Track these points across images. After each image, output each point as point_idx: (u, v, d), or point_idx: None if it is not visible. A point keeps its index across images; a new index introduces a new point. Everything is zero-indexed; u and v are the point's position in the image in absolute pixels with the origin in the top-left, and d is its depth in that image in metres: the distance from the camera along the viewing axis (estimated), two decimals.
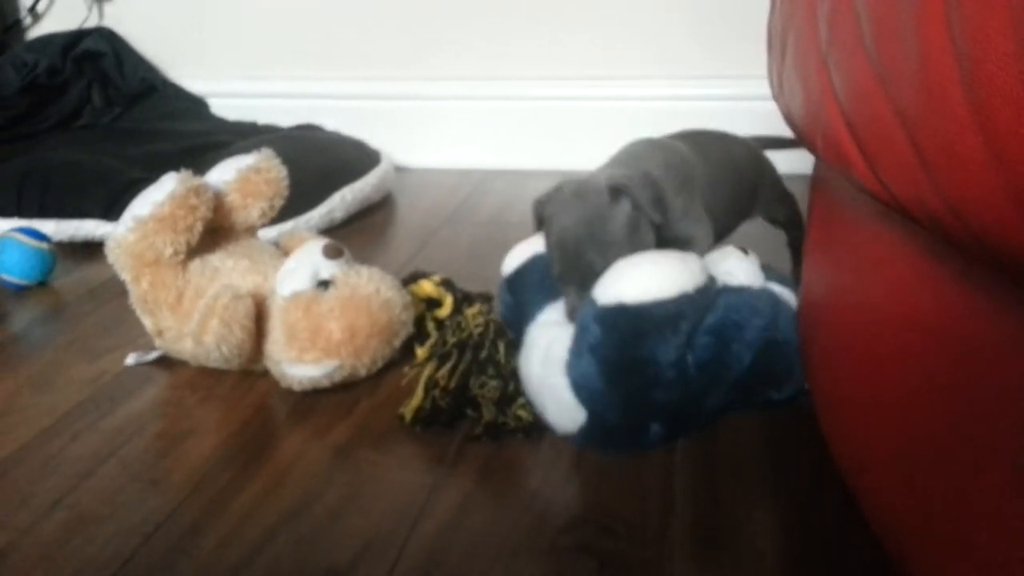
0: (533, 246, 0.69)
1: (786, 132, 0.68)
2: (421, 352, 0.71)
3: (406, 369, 0.72)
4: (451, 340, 0.68)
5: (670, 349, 0.57)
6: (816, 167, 0.58)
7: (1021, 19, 0.24)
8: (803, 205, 0.81)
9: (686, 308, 0.58)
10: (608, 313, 0.57)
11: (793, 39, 0.46)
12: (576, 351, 0.59)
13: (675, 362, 0.57)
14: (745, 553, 0.52)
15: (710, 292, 0.60)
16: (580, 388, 0.58)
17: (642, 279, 0.57)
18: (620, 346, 0.57)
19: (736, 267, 0.65)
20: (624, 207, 0.62)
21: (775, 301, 0.63)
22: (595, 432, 0.60)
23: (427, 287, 0.79)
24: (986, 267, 0.32)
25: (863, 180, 0.37)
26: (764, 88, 0.67)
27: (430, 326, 0.77)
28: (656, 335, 0.57)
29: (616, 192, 0.62)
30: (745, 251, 0.67)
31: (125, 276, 0.75)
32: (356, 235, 1.14)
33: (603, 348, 0.57)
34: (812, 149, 0.45)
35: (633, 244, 0.62)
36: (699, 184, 0.72)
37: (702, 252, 0.67)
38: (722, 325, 0.59)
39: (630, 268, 0.58)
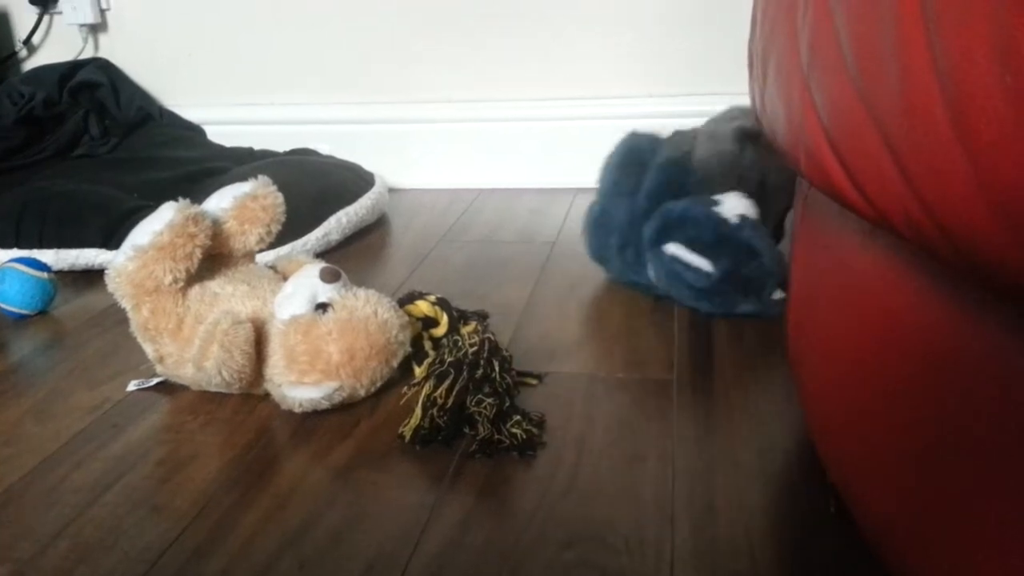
0: None
1: None
2: (419, 371, 0.72)
3: (404, 389, 0.73)
4: (448, 359, 0.69)
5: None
6: (800, 183, 0.59)
7: (1001, 38, 0.24)
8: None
9: None
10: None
11: (775, 60, 0.47)
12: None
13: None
14: (744, 565, 0.52)
15: None
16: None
17: None
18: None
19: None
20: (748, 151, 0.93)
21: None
22: None
23: (423, 307, 0.80)
24: (970, 280, 0.33)
25: (847, 197, 0.38)
26: (746, 104, 0.68)
27: (427, 345, 0.78)
28: None
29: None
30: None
31: (125, 304, 0.76)
32: (352, 257, 1.15)
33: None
34: (795, 166, 0.46)
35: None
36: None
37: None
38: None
39: None
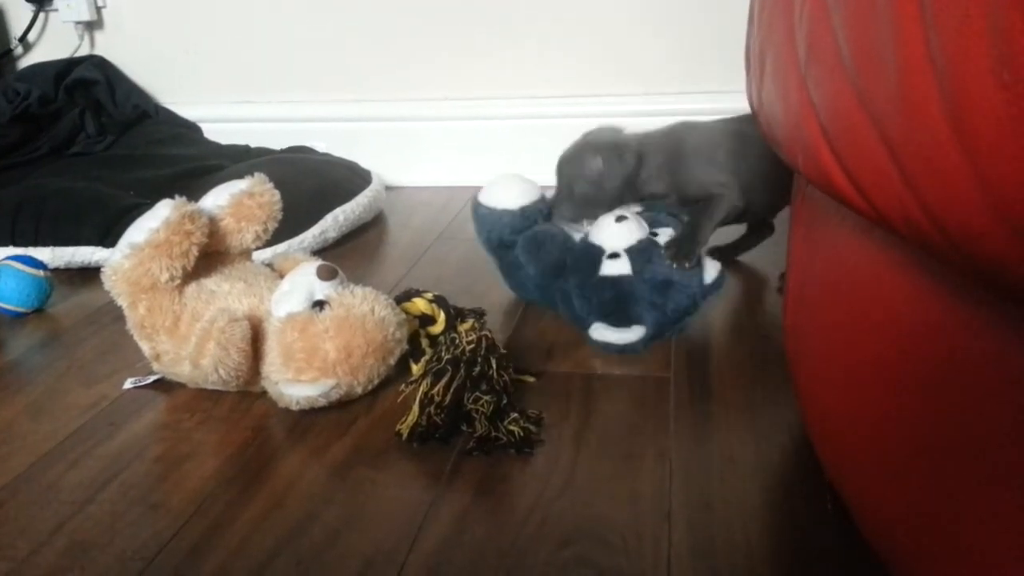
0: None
1: None
2: (416, 368, 0.72)
3: (402, 387, 0.73)
4: (445, 356, 0.69)
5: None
6: (797, 181, 0.59)
7: (999, 35, 0.25)
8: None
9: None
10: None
11: (772, 58, 0.47)
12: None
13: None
14: (742, 562, 0.52)
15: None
16: None
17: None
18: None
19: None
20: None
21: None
22: None
23: (420, 304, 0.80)
24: (967, 277, 0.33)
25: (844, 195, 0.38)
26: (742, 103, 0.68)
27: (424, 343, 0.78)
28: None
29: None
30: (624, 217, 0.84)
31: (122, 302, 0.76)
32: (349, 255, 1.15)
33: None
34: (793, 165, 0.46)
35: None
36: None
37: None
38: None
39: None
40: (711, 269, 0.83)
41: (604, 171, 0.87)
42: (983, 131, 0.26)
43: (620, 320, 0.81)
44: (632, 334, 0.80)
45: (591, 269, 0.82)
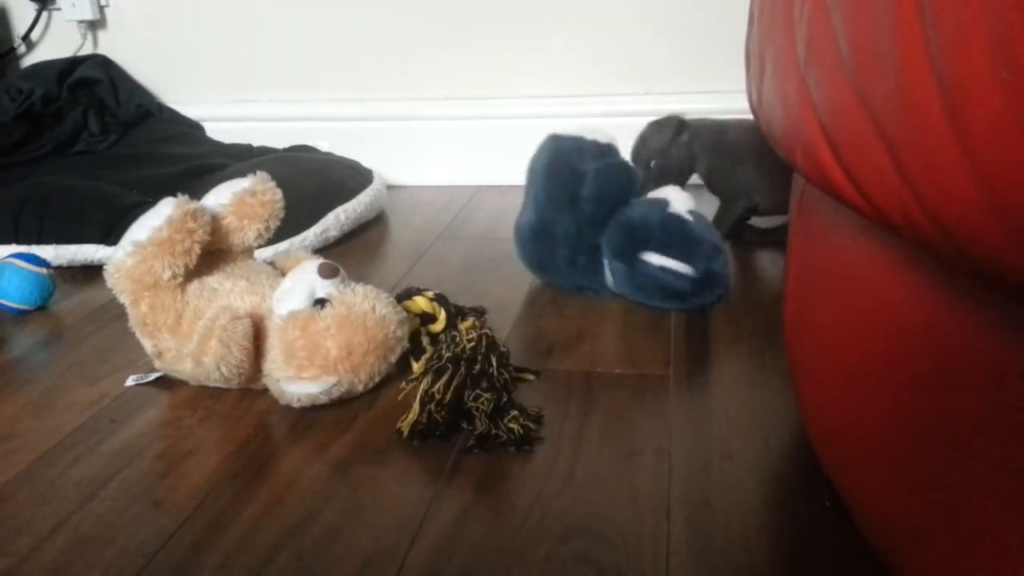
0: None
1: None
2: (417, 366, 0.72)
3: (403, 384, 0.73)
4: (446, 354, 0.69)
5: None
6: (796, 180, 0.60)
7: (997, 33, 0.25)
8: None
9: None
10: None
11: (771, 57, 0.48)
12: None
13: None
14: (740, 560, 0.53)
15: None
16: None
17: None
18: None
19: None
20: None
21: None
22: None
23: (421, 302, 0.80)
24: (966, 276, 0.33)
25: (844, 194, 0.38)
26: (742, 102, 0.68)
27: (425, 341, 0.78)
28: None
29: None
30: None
31: (124, 300, 0.76)
32: (351, 253, 1.15)
33: None
34: (792, 164, 0.46)
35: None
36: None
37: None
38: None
39: None
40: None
41: (669, 147, 1.04)
42: (982, 129, 0.26)
43: (682, 254, 0.86)
44: (688, 268, 0.86)
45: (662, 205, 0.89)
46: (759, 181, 1.03)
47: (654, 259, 0.86)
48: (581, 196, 0.89)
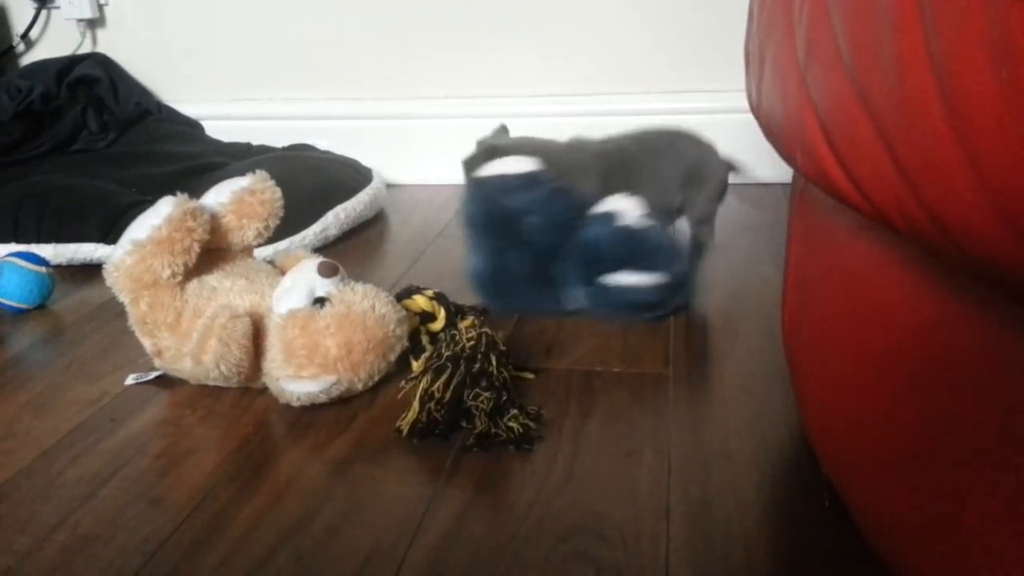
0: None
1: (763, 144, 0.71)
2: (417, 365, 0.72)
3: (402, 383, 0.73)
4: (445, 353, 0.69)
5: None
6: (795, 180, 0.60)
7: (997, 32, 0.25)
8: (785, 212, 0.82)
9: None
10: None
11: (771, 55, 0.48)
12: None
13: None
14: (740, 560, 0.53)
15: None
16: None
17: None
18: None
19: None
20: None
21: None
22: None
23: (421, 301, 0.80)
24: (966, 276, 0.33)
25: (843, 193, 0.38)
26: (741, 101, 0.68)
27: (424, 339, 0.78)
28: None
29: None
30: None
31: (124, 298, 0.76)
32: (350, 252, 1.15)
33: None
34: (792, 163, 0.46)
35: None
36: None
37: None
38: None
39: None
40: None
41: None
42: (982, 129, 0.26)
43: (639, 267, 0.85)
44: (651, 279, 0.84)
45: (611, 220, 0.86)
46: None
47: (614, 280, 0.85)
48: (528, 231, 0.87)
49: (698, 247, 0.99)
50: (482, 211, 0.88)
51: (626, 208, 0.87)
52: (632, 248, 0.85)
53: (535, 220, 0.87)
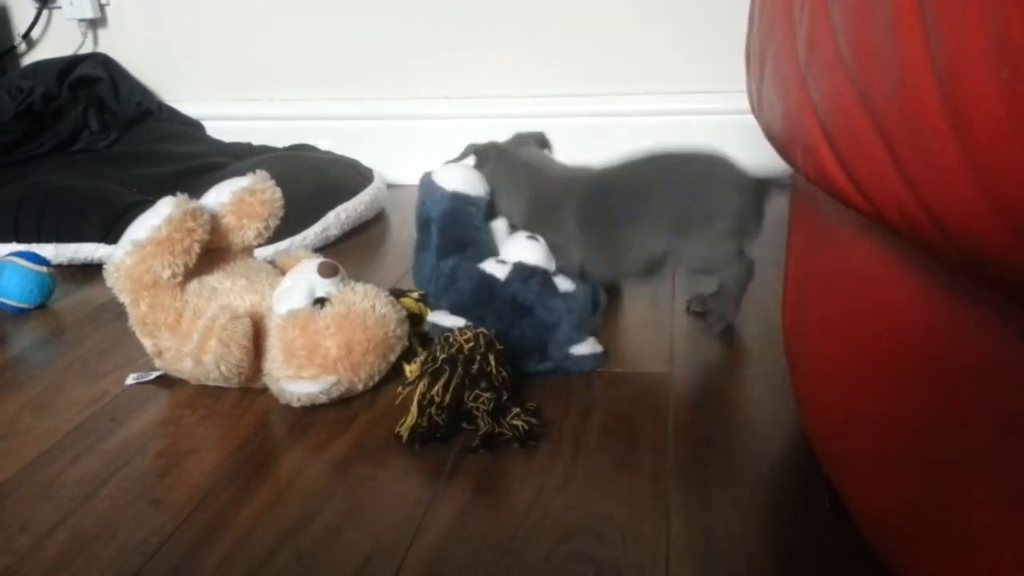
0: None
1: (765, 146, 0.70)
2: (411, 369, 0.72)
3: (399, 389, 0.73)
4: (441, 356, 0.68)
5: None
6: (796, 180, 0.60)
7: (998, 34, 0.25)
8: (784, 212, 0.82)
9: None
10: None
11: (772, 56, 0.48)
12: None
13: None
14: (740, 560, 0.53)
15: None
16: None
17: None
18: None
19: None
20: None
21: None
22: None
23: (408, 303, 0.79)
24: (966, 276, 0.33)
25: (844, 193, 0.38)
26: (742, 102, 0.68)
27: (414, 341, 0.78)
28: None
29: None
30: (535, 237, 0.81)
31: (124, 299, 0.76)
32: (351, 252, 1.15)
33: None
34: (792, 164, 0.46)
35: None
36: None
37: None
38: None
39: None
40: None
41: None
42: (982, 129, 0.26)
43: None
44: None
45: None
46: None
47: (433, 318, 0.78)
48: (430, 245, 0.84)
49: (712, 319, 0.83)
50: (417, 210, 0.87)
51: (513, 251, 0.79)
52: (465, 292, 0.76)
53: (434, 233, 0.83)
